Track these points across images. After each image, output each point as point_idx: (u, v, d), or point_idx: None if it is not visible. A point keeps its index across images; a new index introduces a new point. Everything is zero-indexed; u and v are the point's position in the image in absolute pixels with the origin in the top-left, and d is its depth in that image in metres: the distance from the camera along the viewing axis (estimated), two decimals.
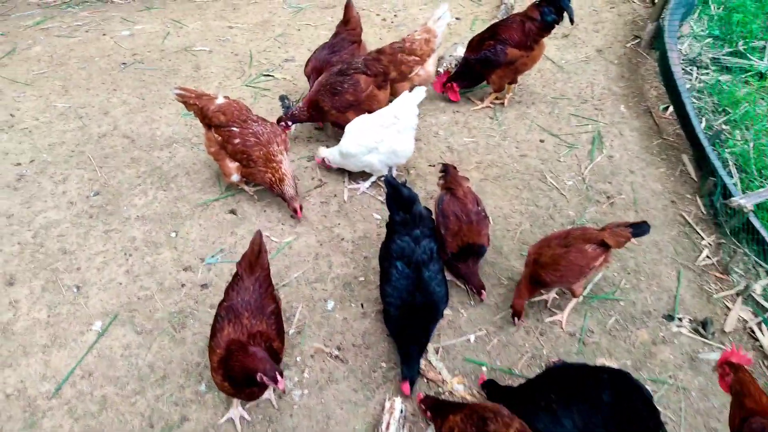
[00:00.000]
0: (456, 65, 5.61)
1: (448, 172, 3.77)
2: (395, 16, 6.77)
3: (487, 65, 4.96)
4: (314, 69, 4.88)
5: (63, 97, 5.17)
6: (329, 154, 4.42)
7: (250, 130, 3.95)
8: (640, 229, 3.38)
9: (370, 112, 4.51)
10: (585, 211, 4.35)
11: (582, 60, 5.94)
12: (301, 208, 4.06)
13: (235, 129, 3.95)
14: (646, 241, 4.14)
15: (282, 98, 5.24)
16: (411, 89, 4.95)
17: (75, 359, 3.30)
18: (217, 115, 3.95)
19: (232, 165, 4.04)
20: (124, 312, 3.53)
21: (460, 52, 5.64)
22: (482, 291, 3.63)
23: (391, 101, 4.39)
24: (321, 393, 3.25)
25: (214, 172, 4.45)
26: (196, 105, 3.97)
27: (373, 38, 6.31)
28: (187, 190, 4.33)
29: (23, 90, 5.22)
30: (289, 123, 4.56)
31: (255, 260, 3.05)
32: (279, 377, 2.58)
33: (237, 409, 3.10)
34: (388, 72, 4.44)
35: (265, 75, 5.62)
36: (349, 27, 5.03)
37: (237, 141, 3.93)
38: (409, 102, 4.10)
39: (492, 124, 5.15)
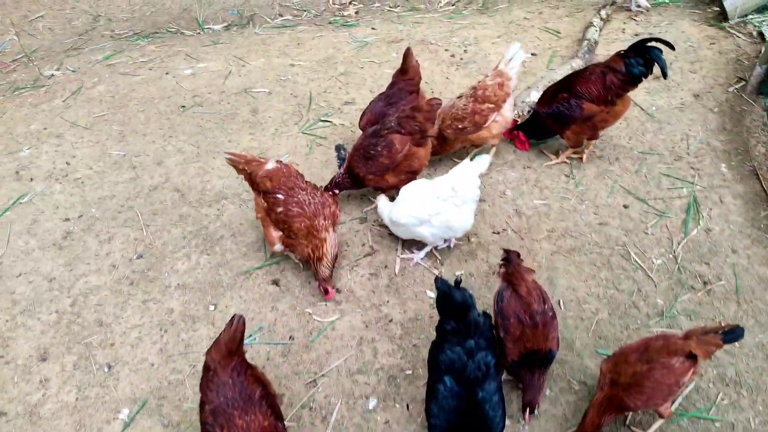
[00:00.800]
0: (528, 112, 5.11)
1: (510, 262, 3.28)
2: (465, 51, 6.31)
3: (560, 121, 4.42)
4: (369, 122, 4.54)
5: (119, 143, 5.10)
6: (384, 208, 4.02)
7: (295, 199, 3.64)
8: (732, 335, 2.85)
9: (411, 172, 4.13)
10: (677, 299, 3.73)
11: (676, 107, 5.24)
12: (332, 290, 3.75)
13: (279, 196, 3.65)
14: (750, 343, 3.48)
15: (338, 148, 4.93)
16: (492, 140, 4.55)
17: None
18: (264, 180, 3.67)
19: (276, 234, 3.75)
20: (153, 399, 3.31)
21: (534, 97, 5.14)
22: (528, 412, 3.12)
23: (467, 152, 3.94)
24: None
25: (260, 236, 4.18)
26: (245, 171, 3.71)
27: (440, 76, 5.90)
28: (230, 255, 4.09)
29: (82, 135, 5.20)
30: (336, 191, 4.23)
31: (235, 349, 2.73)
32: None
33: None
34: (425, 129, 4.02)
35: (323, 120, 5.33)
36: (407, 77, 4.64)
37: (280, 210, 3.64)
38: (469, 173, 3.65)
39: (567, 184, 4.59)
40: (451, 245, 4.08)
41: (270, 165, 3.70)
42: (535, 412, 3.14)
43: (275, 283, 3.92)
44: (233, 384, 2.65)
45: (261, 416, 2.64)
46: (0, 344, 3.55)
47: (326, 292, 3.71)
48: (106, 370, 3.44)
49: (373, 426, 3.20)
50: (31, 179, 4.72)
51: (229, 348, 2.72)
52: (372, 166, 4.08)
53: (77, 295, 3.84)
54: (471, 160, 3.74)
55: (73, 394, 3.33)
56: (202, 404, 2.68)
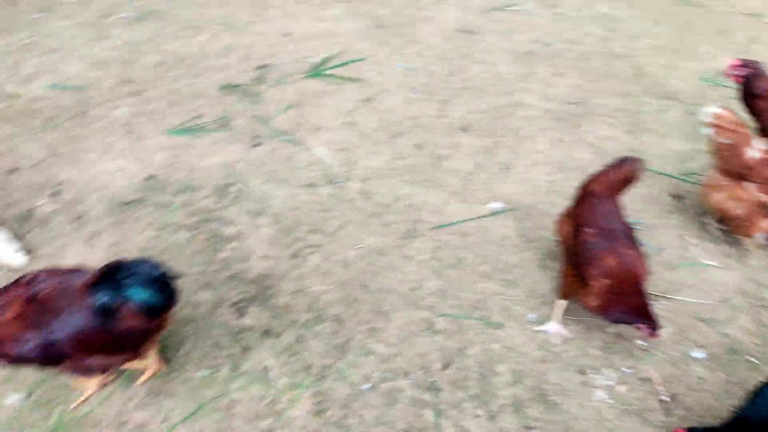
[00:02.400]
0: None
1: None
2: None
3: None
4: None
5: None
6: None
7: None
8: None
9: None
10: None
11: None
12: None
13: None
14: None
15: None
16: None
17: (463, 217, 3.59)
18: None
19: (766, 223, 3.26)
20: (521, 209, 3.61)
21: None
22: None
23: None
24: (624, 417, 2.81)
25: (689, 149, 3.93)
26: (725, 142, 3.11)
27: None
28: (648, 147, 3.99)
29: None
30: (743, 75, 3.46)
31: (620, 188, 2.78)
32: (657, 331, 2.60)
33: (557, 325, 3.01)
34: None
35: None
36: None
37: None
38: None
39: None
40: None
41: (762, 143, 3.09)
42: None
43: (676, 197, 3.72)
44: (619, 217, 2.76)
45: (638, 252, 2.72)
46: (440, 106, 4.30)
47: None
48: (501, 166, 3.89)
49: (693, 375, 2.95)
50: None
51: (619, 184, 2.78)
52: None
53: (511, 101, 4.34)
54: None
55: (470, 165, 3.90)
56: (579, 227, 2.79)
